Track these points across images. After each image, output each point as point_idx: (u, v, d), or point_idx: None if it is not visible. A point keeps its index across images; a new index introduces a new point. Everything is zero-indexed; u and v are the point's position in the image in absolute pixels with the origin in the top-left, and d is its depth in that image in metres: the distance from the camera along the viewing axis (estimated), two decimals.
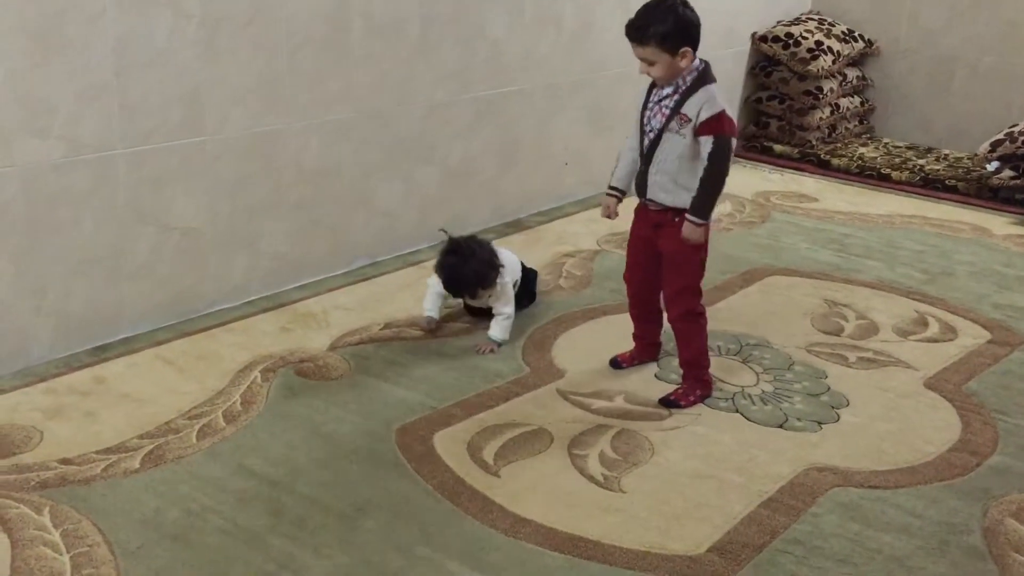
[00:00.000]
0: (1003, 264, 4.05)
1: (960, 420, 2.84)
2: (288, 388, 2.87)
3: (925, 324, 3.47)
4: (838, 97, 5.47)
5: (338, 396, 2.83)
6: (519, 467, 2.54)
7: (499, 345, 3.13)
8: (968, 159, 5.23)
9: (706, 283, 3.64)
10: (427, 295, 3.25)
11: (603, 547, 2.23)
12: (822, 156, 5.29)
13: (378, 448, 2.58)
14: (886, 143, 5.59)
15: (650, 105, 2.75)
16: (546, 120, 4.42)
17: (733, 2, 5.22)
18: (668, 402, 2.84)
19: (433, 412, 2.75)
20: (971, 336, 3.39)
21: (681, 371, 2.93)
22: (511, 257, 3.32)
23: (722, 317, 3.43)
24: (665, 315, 2.93)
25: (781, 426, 2.78)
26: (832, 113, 5.44)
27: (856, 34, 5.57)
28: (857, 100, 5.64)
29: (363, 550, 2.19)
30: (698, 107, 2.65)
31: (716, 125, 2.65)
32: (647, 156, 2.75)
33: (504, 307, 3.17)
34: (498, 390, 2.91)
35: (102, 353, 3.02)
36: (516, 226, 4.32)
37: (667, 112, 2.70)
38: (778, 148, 5.42)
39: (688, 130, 2.66)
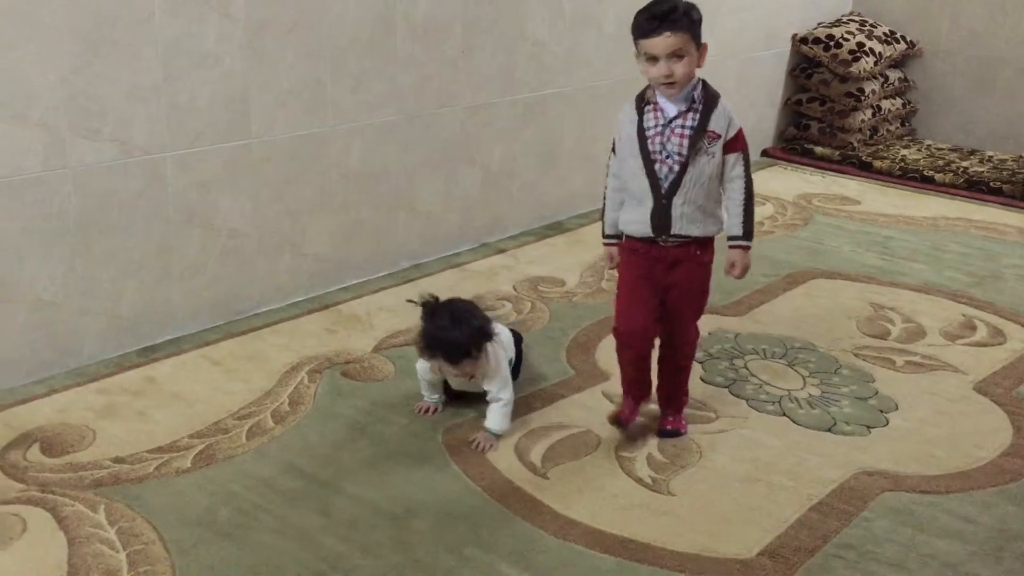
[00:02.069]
0: None
1: (1012, 425, 2.81)
2: (335, 389, 2.88)
3: (973, 328, 3.43)
4: (880, 99, 5.42)
5: (384, 397, 2.84)
6: (567, 469, 2.54)
7: (498, 438, 2.62)
8: (1013, 161, 5.17)
9: (749, 285, 3.65)
10: (421, 383, 2.74)
11: (653, 549, 2.23)
12: (864, 158, 5.25)
13: (425, 449, 2.59)
14: (928, 145, 5.54)
15: (653, 130, 2.41)
16: (587, 122, 4.41)
17: (773, 3, 5.19)
18: (669, 432, 2.66)
19: (479, 414, 2.75)
20: (1020, 340, 3.34)
21: (666, 400, 2.70)
22: (506, 332, 2.82)
23: (766, 320, 3.41)
24: (664, 352, 2.66)
25: (829, 430, 2.76)
26: (874, 115, 5.39)
27: (898, 35, 5.52)
28: (899, 102, 5.59)
29: (413, 550, 2.20)
30: (725, 122, 2.41)
31: (742, 140, 2.45)
32: (670, 188, 2.41)
33: (501, 391, 2.63)
34: (544, 392, 2.91)
35: (151, 353, 3.05)
36: (557, 228, 4.32)
37: (688, 132, 2.39)
38: (819, 150, 5.38)
39: (717, 148, 2.41)
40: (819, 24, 5.49)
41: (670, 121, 2.41)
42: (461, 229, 3.98)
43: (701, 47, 2.37)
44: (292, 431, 2.65)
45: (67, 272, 2.87)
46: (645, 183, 2.44)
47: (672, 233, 2.46)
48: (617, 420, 2.67)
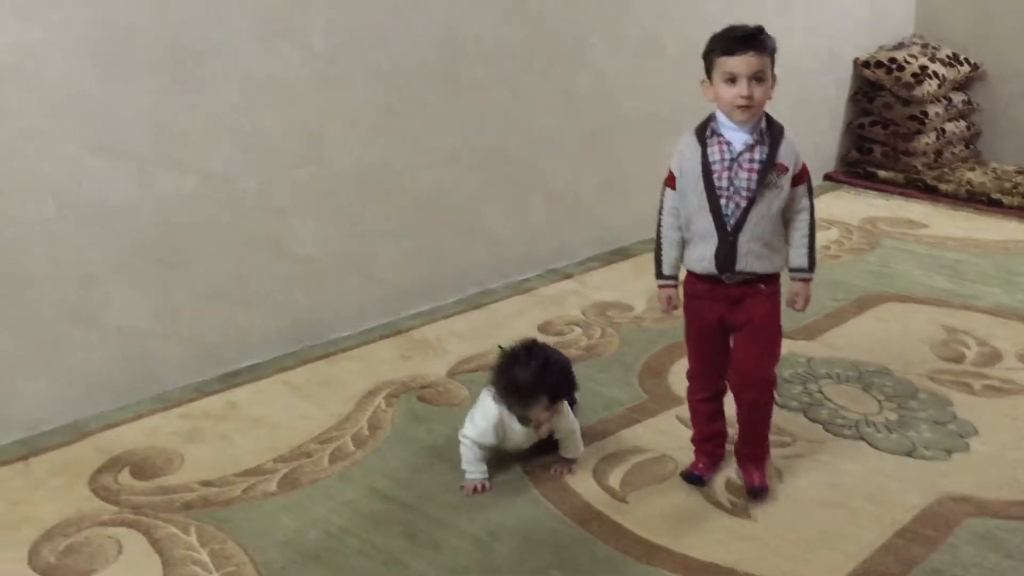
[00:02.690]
0: None
1: None
2: (412, 414, 2.92)
3: None
4: (944, 121, 5.38)
5: (461, 421, 2.85)
6: (646, 493, 2.54)
7: (576, 463, 2.63)
8: None
9: (819, 310, 3.62)
10: (467, 453, 2.55)
11: (738, 574, 2.22)
12: (928, 181, 5.21)
13: (504, 473, 2.61)
14: (994, 168, 5.48)
15: (719, 164, 2.31)
16: (650, 147, 4.43)
17: (834, 27, 5.19)
18: (758, 491, 2.50)
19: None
20: None
21: (747, 454, 2.55)
22: None
23: (838, 344, 3.39)
24: (737, 395, 2.52)
25: (909, 454, 2.73)
26: (938, 138, 5.35)
27: (960, 58, 5.48)
28: (963, 124, 5.54)
29: (499, 573, 2.22)
30: (793, 153, 2.34)
31: (807, 172, 2.39)
32: (737, 225, 2.32)
33: (574, 422, 2.61)
34: (618, 417, 2.92)
35: (231, 379, 3.11)
36: (621, 254, 4.34)
37: (758, 166, 2.30)
38: (882, 174, 5.34)
39: (785, 181, 2.33)
40: (881, 47, 5.47)
41: (738, 155, 2.31)
42: (527, 254, 4.02)
43: (774, 77, 2.33)
44: (373, 455, 2.69)
45: (151, 299, 2.95)
46: (709, 220, 2.34)
47: (736, 270, 2.36)
48: (691, 476, 2.56)
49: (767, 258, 2.38)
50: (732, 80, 2.28)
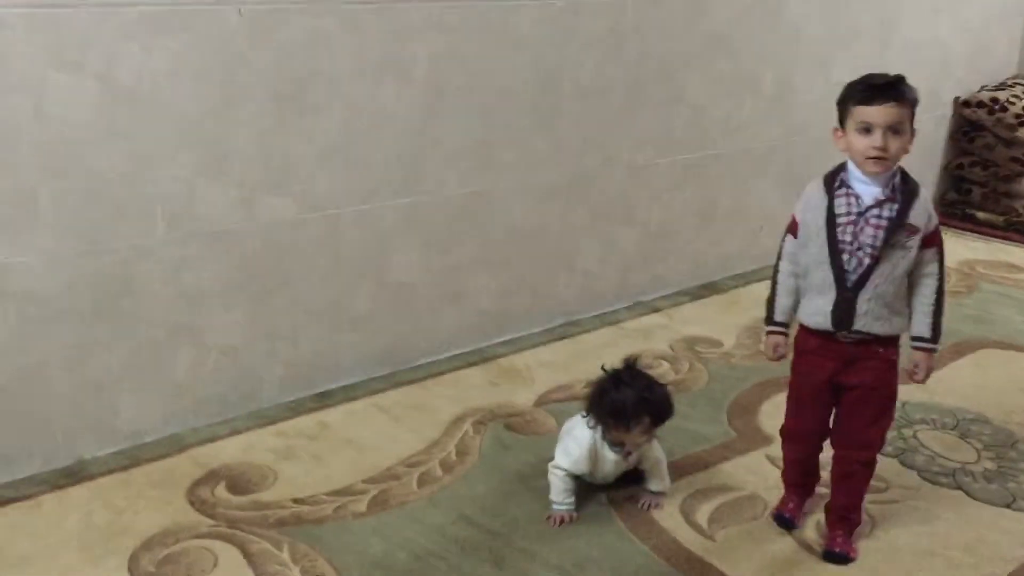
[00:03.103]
0: None
1: None
2: (499, 441, 2.94)
3: None
4: None
5: (548, 451, 2.85)
6: (734, 532, 2.52)
7: (664, 496, 2.62)
8: None
9: None
10: (557, 484, 2.55)
11: None
12: None
13: (591, 506, 2.61)
14: None
15: (845, 218, 2.23)
16: (743, 184, 4.42)
17: (936, 66, 5.11)
18: (837, 556, 2.41)
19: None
20: None
21: (837, 517, 2.46)
22: None
23: (935, 390, 3.31)
24: (839, 455, 2.43)
25: (1008, 506, 2.66)
26: None
27: None
28: None
29: None
30: (926, 214, 2.23)
31: (940, 235, 2.29)
32: (857, 282, 2.24)
33: (658, 453, 2.63)
34: (706, 454, 2.90)
35: (324, 399, 3.18)
36: (712, 288, 4.31)
37: (885, 224, 2.21)
38: (982, 215, 5.23)
39: (915, 243, 2.22)
40: (983, 87, 5.36)
41: (866, 210, 2.22)
42: (617, 287, 4.03)
43: (913, 131, 2.23)
44: (460, 481, 2.72)
45: (251, 319, 3.03)
46: (829, 274, 2.26)
47: (854, 328, 2.28)
48: (782, 519, 2.53)
49: (887, 320, 2.28)
50: (867, 130, 2.18)
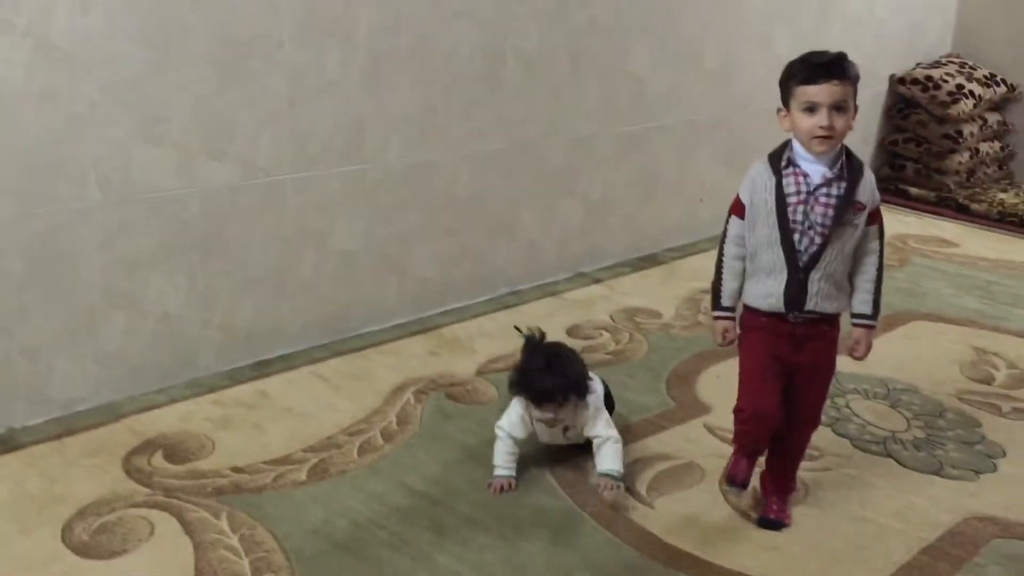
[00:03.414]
0: None
1: None
2: (440, 410, 2.94)
3: None
4: (978, 142, 5.37)
5: (489, 420, 2.86)
6: (672, 500, 2.56)
7: (622, 480, 2.52)
8: None
9: (847, 326, 3.62)
10: (499, 445, 2.55)
11: None
12: (960, 201, 5.19)
13: (532, 473, 2.63)
14: None
15: (795, 197, 2.19)
16: (685, 156, 4.45)
17: (871, 43, 5.18)
18: (772, 523, 2.43)
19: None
20: None
21: (774, 485, 2.48)
22: (599, 384, 2.69)
23: (868, 361, 3.36)
24: (786, 430, 2.38)
25: (936, 473, 2.73)
26: (971, 157, 5.34)
27: (997, 78, 5.47)
28: (997, 145, 5.53)
29: (525, 572, 2.24)
30: (871, 191, 2.23)
31: (880, 211, 2.29)
32: (809, 262, 2.21)
33: (608, 429, 2.56)
34: (645, 423, 2.93)
35: (264, 368, 3.15)
36: (651, 260, 4.35)
37: (835, 202, 2.19)
38: (914, 191, 5.34)
39: (862, 219, 2.23)
40: (918, 65, 5.46)
41: (815, 188, 2.19)
42: (559, 257, 4.04)
43: (856, 108, 2.20)
44: (401, 450, 2.71)
45: (190, 286, 2.99)
46: (780, 255, 2.22)
47: (806, 309, 2.25)
48: (732, 480, 2.47)
49: (835, 298, 2.27)
50: (811, 110, 2.16)
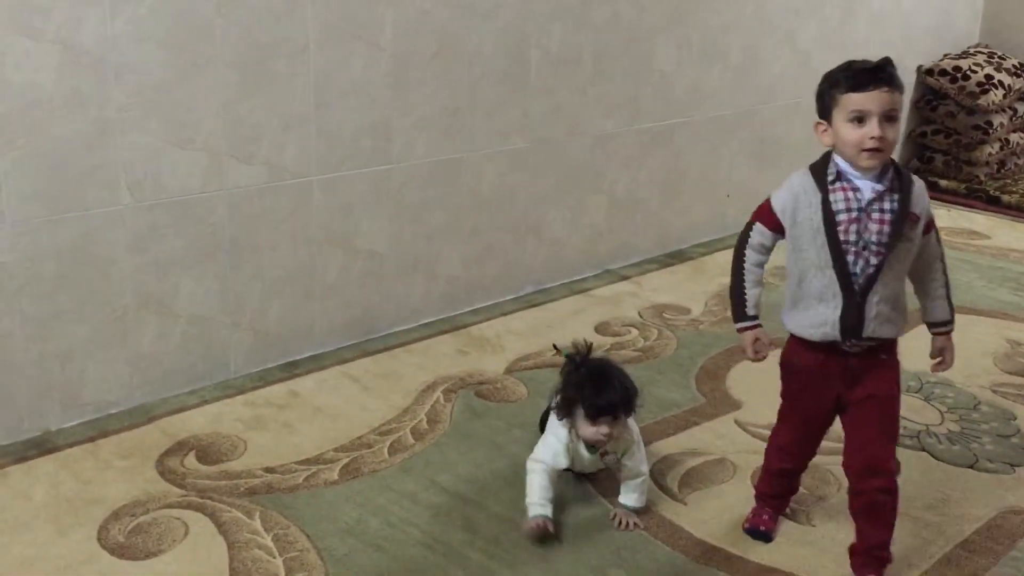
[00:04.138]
0: None
1: None
2: (470, 409, 2.95)
3: None
4: (1008, 132, 5.31)
5: (518, 418, 2.89)
6: (704, 495, 2.55)
7: (639, 515, 2.42)
8: None
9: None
10: (535, 482, 2.36)
11: None
12: (991, 192, 5.14)
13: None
14: None
15: (846, 215, 2.01)
16: (711, 152, 4.43)
17: (898, 35, 5.14)
18: None
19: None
20: None
21: (870, 554, 2.19)
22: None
23: (901, 355, 3.35)
24: (858, 485, 2.16)
25: (971, 466, 2.71)
26: (1001, 148, 5.28)
27: None
28: None
29: (558, 569, 2.24)
30: (924, 201, 2.07)
31: (933, 219, 2.14)
32: (866, 284, 2.03)
33: (642, 465, 2.42)
34: (675, 419, 2.92)
35: (293, 369, 3.16)
36: (678, 256, 4.33)
37: (889, 217, 2.00)
38: (944, 183, 5.29)
39: (917, 233, 2.06)
40: (945, 56, 5.41)
41: (867, 205, 2.00)
42: (585, 255, 4.04)
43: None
44: (432, 448, 2.72)
45: (219, 288, 3.01)
46: (833, 279, 2.04)
47: (864, 336, 2.06)
48: (758, 532, 2.35)
49: (893, 322, 2.10)
50: (860, 120, 1.98)
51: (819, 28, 4.65)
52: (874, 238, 2.00)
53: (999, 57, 5.41)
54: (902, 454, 2.73)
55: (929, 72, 5.31)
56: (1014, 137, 5.37)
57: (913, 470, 2.67)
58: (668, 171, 4.27)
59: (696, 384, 3.16)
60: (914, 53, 5.32)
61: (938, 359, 2.25)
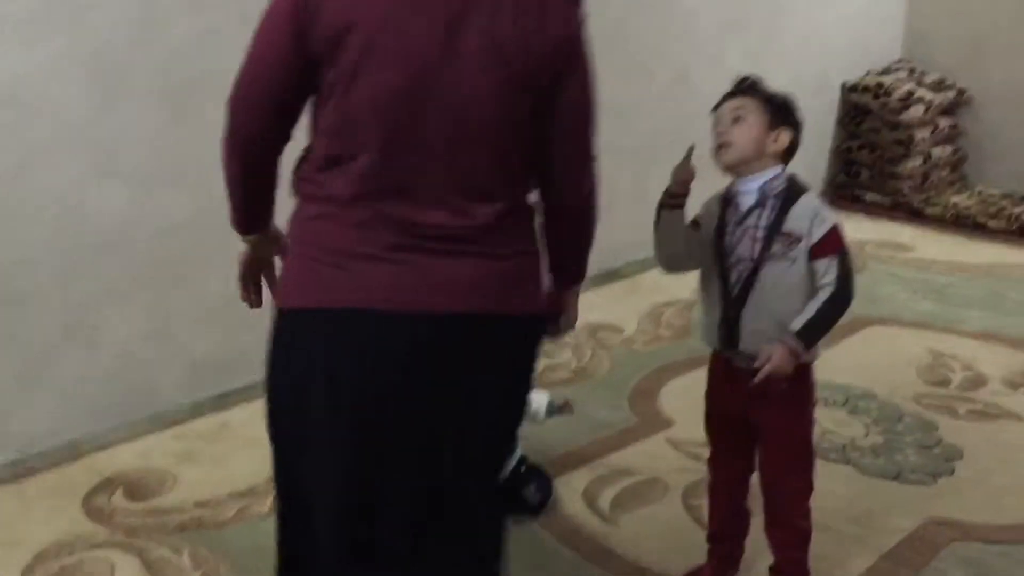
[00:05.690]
0: None
1: None
2: None
3: None
4: (930, 146, 5.45)
5: None
6: (635, 516, 2.58)
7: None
8: None
9: None
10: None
11: None
12: (915, 205, 5.27)
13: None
14: (979, 191, 5.54)
15: (731, 225, 2.04)
16: (641, 171, 4.48)
17: (823, 52, 5.25)
18: None
19: (546, 460, 2.79)
20: None
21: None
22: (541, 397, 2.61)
23: (825, 367, 3.35)
24: (766, 515, 2.20)
25: (895, 478, 2.77)
26: (924, 162, 5.42)
27: (947, 83, 5.56)
28: (949, 148, 5.61)
29: None
30: (808, 220, 1.99)
31: (835, 242, 2.01)
32: (737, 298, 2.03)
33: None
34: (608, 439, 2.95)
35: (225, 399, 3.13)
36: (613, 275, 4.37)
37: (761, 233, 2.01)
38: (869, 197, 5.41)
39: (799, 252, 1.99)
40: (868, 72, 5.54)
41: (744, 217, 2.03)
42: None
43: (776, 131, 2.06)
44: None
45: (148, 320, 2.97)
46: (717, 286, 2.07)
47: (740, 348, 2.05)
48: None
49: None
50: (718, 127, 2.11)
51: (745, 47, 4.74)
52: (746, 252, 2.02)
53: (920, 73, 5.56)
54: (828, 468, 2.79)
55: (853, 88, 5.43)
56: (936, 151, 5.51)
57: (838, 484, 2.72)
58: (601, 192, 4.30)
59: (629, 404, 3.19)
60: (838, 70, 5.44)
61: (763, 360, 1.99)
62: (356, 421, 1.57)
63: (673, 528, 2.51)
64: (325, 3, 1.53)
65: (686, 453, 2.87)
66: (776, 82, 4.76)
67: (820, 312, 1.99)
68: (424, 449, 1.59)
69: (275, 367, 1.68)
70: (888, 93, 5.31)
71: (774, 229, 2.00)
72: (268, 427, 1.71)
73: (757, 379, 1.98)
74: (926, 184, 5.51)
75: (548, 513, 2.55)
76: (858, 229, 5.07)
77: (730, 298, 2.05)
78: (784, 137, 2.08)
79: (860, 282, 4.15)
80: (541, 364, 3.25)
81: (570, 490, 2.66)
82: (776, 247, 1.99)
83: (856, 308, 3.84)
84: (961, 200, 5.34)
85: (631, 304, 4.03)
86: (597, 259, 4.51)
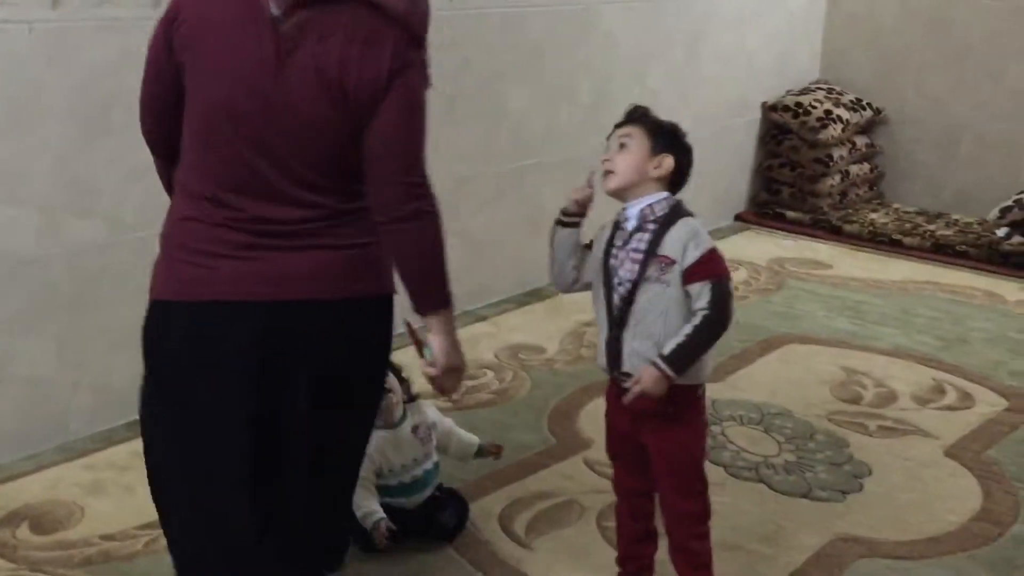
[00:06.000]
0: (1017, 331, 4.11)
1: (981, 489, 2.90)
2: None
3: (943, 392, 3.53)
4: (848, 164, 5.58)
5: None
6: (550, 539, 2.59)
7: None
8: (978, 224, 5.32)
9: (724, 351, 3.71)
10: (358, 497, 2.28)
11: None
12: (834, 222, 5.39)
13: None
14: (896, 208, 5.69)
15: (616, 247, 2.12)
16: (565, 191, 4.50)
17: (744, 73, 5.36)
18: None
19: (463, 484, 2.80)
20: (988, 404, 3.44)
21: None
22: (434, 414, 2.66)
23: (742, 386, 3.49)
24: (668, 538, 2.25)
25: (805, 496, 2.83)
26: (842, 180, 5.55)
27: (864, 102, 5.70)
28: (866, 167, 5.75)
29: None
30: (682, 244, 2.04)
31: (710, 266, 2.06)
32: (618, 317, 2.09)
33: (452, 428, 2.65)
34: (527, 461, 2.97)
35: (137, 428, 3.07)
36: (537, 295, 4.40)
37: (639, 256, 2.07)
38: (790, 214, 5.51)
39: (673, 276, 2.04)
40: (788, 92, 5.66)
41: (625, 243, 2.11)
42: None
43: (659, 156, 2.12)
44: None
45: (58, 348, 2.92)
46: (604, 308, 2.14)
47: (623, 370, 2.11)
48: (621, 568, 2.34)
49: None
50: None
51: (667, 68, 4.81)
52: (627, 274, 2.09)
53: (837, 93, 5.69)
54: (741, 487, 2.85)
55: (773, 108, 5.54)
56: (854, 169, 5.64)
57: (750, 503, 2.77)
58: (524, 211, 4.34)
59: (548, 425, 3.21)
60: (758, 90, 5.55)
61: (633, 382, 2.08)
62: (219, 397, 1.82)
63: (587, 551, 2.53)
64: (182, 13, 1.77)
65: (602, 474, 2.88)
66: (698, 102, 4.87)
67: (690, 336, 2.03)
68: (289, 417, 1.83)
69: (145, 350, 1.97)
70: (807, 112, 5.43)
71: (650, 252, 2.07)
72: (139, 408, 2.03)
73: (625, 400, 2.08)
74: (844, 201, 5.64)
75: (463, 538, 2.56)
76: (779, 247, 5.19)
77: (613, 319, 2.12)
78: (667, 162, 2.13)
79: (779, 300, 4.31)
80: (463, 387, 3.28)
81: (485, 514, 2.67)
82: (651, 270, 2.07)
83: (774, 326, 4.03)
84: (878, 217, 5.48)
85: (553, 324, 4.05)
86: (522, 280, 4.61)
